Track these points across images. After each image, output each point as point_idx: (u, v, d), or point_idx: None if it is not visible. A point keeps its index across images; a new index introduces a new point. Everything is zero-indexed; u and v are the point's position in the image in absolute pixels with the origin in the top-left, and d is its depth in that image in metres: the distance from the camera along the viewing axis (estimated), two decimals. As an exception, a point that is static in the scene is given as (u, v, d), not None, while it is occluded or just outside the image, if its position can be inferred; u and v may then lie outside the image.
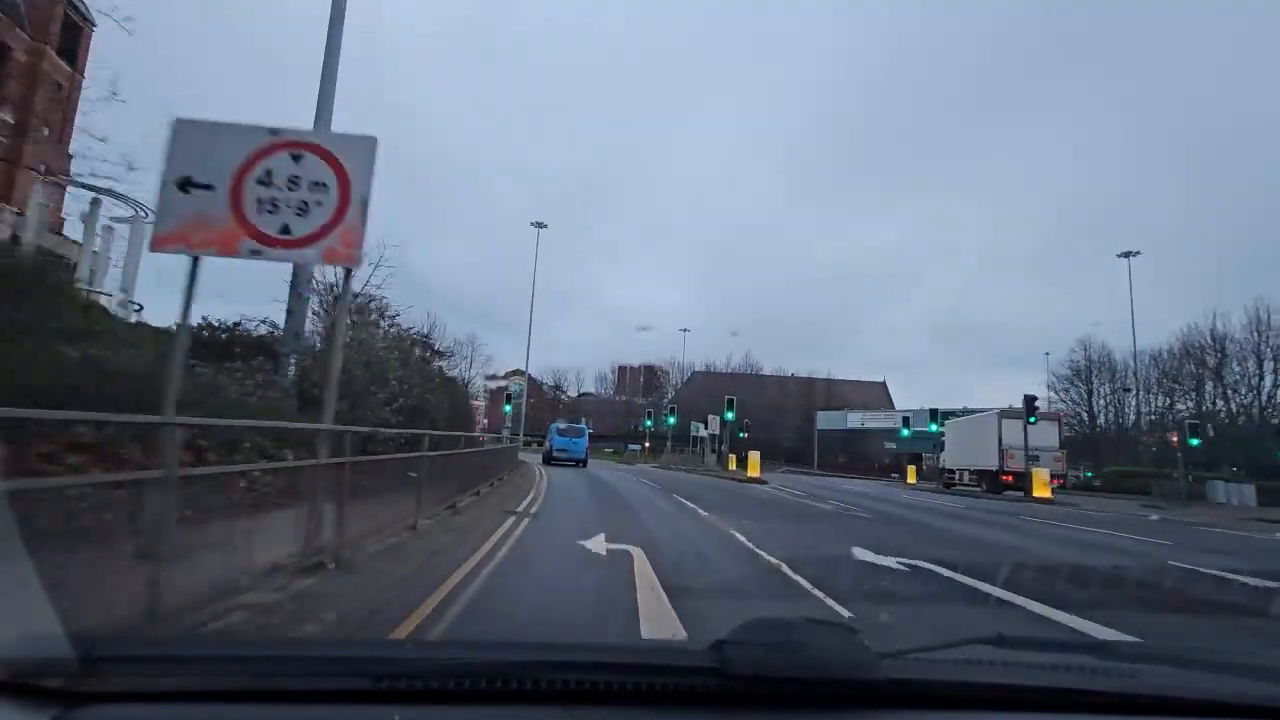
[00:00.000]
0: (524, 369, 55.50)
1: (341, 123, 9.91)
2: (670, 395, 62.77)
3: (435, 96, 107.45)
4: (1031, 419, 28.03)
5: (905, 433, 48.28)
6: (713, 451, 42.58)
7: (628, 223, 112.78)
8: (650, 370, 79.48)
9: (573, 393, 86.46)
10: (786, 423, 65.70)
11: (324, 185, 5.39)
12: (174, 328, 6.64)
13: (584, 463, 32.79)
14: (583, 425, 38.26)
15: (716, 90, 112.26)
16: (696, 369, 75.19)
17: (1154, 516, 20.29)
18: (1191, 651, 2.28)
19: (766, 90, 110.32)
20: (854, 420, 64.23)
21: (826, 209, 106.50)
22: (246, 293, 12.52)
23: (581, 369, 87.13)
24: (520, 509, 11.17)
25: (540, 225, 46.65)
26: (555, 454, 33.07)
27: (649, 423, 53.83)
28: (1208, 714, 1.39)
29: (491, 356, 71.14)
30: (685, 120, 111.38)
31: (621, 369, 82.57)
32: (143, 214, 25.67)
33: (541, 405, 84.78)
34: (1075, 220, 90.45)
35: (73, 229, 27.99)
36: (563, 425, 37.25)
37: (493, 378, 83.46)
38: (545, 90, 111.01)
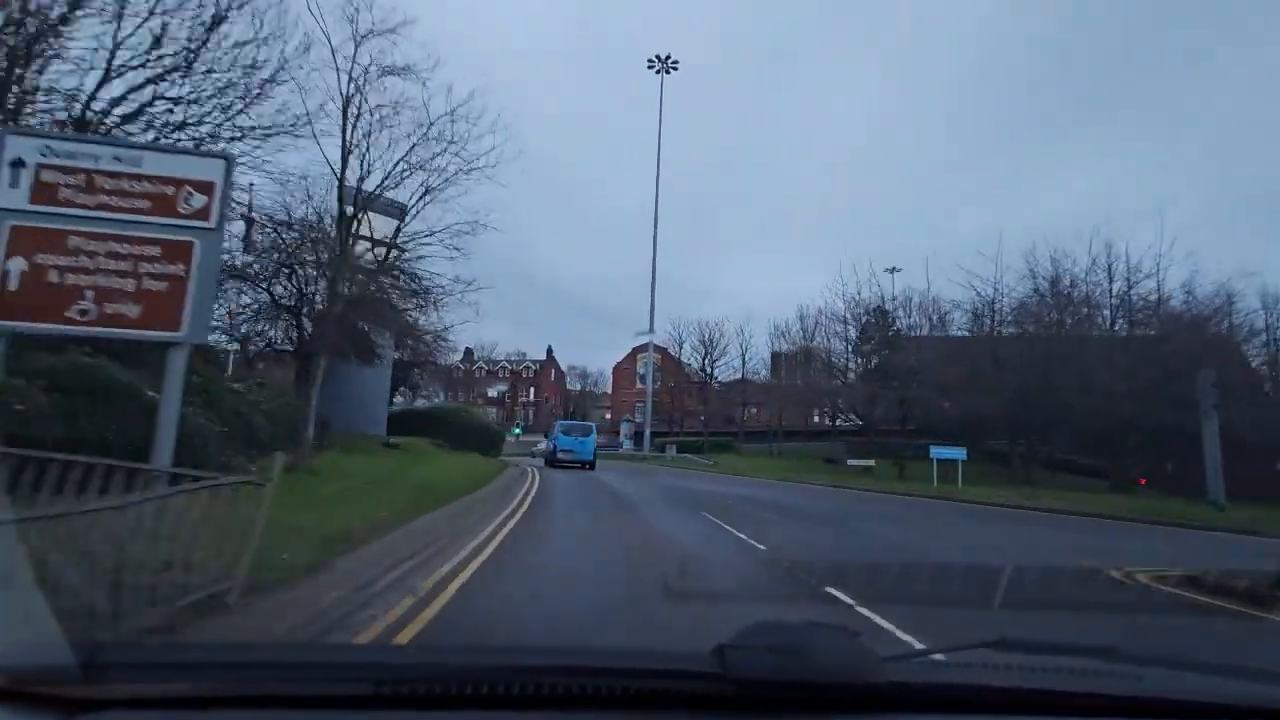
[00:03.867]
0: (650, 331, 43.69)
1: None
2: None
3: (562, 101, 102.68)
4: None
5: None
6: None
7: (764, 209, 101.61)
8: (881, 313, 47.18)
9: (734, 371, 59.13)
10: (1117, 411, 32.18)
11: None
12: None
13: (591, 464, 30.83)
14: (590, 424, 37.07)
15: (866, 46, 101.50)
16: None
17: None
18: (1195, 655, 2.25)
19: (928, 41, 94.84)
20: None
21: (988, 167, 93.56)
22: None
23: (751, 330, 56.41)
24: None
25: (665, 66, 38.98)
26: (560, 455, 31.05)
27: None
28: (1211, 716, 1.38)
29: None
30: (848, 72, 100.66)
31: (775, 355, 54.48)
32: None
33: (687, 390, 61.98)
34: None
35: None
36: (566, 424, 36.14)
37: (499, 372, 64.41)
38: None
